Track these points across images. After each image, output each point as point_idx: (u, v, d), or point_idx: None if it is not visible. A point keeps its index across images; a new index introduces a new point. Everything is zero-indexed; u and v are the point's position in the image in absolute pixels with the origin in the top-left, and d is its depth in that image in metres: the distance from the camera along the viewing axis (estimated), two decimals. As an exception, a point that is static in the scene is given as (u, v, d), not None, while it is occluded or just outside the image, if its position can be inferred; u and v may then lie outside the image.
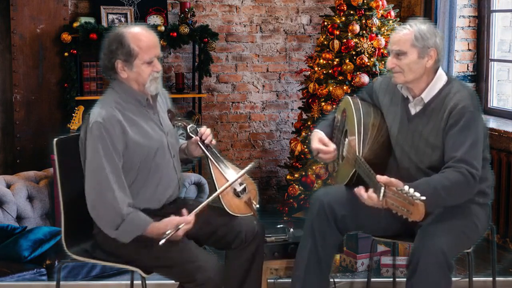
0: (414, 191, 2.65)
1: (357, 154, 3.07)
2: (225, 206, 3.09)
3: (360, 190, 2.90)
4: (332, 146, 3.26)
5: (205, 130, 3.16)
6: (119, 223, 2.89)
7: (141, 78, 3.02)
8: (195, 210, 2.96)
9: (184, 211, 2.94)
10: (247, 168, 3.13)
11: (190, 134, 3.14)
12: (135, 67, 3.00)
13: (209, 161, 3.13)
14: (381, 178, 2.81)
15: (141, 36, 3.00)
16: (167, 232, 2.86)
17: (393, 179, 2.80)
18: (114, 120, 2.95)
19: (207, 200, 3.04)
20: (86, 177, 2.95)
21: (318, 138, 3.29)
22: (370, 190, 2.86)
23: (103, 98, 3.08)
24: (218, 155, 3.16)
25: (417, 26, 3.09)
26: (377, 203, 2.82)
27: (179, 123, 3.18)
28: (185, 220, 2.91)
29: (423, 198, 2.62)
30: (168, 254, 2.93)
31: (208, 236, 3.16)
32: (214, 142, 3.18)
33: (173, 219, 2.92)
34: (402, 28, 3.12)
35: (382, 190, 2.77)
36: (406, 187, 2.69)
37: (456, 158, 2.95)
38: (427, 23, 3.12)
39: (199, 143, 3.13)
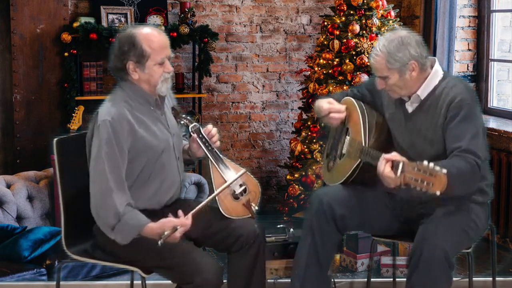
0: (434, 165, 2.63)
1: (364, 145, 3.08)
2: (221, 210, 3.07)
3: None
4: (343, 106, 3.27)
5: (211, 129, 3.14)
6: (115, 223, 2.88)
7: (152, 79, 3.02)
8: (192, 212, 2.92)
9: (181, 212, 2.90)
10: (240, 172, 3.10)
11: (192, 133, 3.13)
12: (147, 68, 3.00)
13: (209, 161, 3.11)
14: (390, 155, 2.82)
15: (152, 37, 2.99)
16: (165, 233, 2.83)
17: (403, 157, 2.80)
18: (123, 118, 2.95)
19: (204, 202, 3.01)
20: (90, 175, 2.95)
21: (327, 101, 3.30)
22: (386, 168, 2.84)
23: (112, 97, 3.06)
24: (220, 155, 3.13)
25: (386, 47, 3.04)
26: (395, 180, 2.79)
27: (183, 121, 3.16)
28: (182, 223, 2.86)
29: (445, 171, 2.61)
30: (167, 255, 2.92)
31: (207, 238, 3.14)
32: (218, 144, 3.14)
33: (170, 220, 2.87)
34: (374, 53, 3.08)
35: (400, 166, 2.75)
36: (425, 162, 2.67)
37: (461, 148, 2.94)
38: (396, 39, 3.04)
39: (200, 142, 3.11)
